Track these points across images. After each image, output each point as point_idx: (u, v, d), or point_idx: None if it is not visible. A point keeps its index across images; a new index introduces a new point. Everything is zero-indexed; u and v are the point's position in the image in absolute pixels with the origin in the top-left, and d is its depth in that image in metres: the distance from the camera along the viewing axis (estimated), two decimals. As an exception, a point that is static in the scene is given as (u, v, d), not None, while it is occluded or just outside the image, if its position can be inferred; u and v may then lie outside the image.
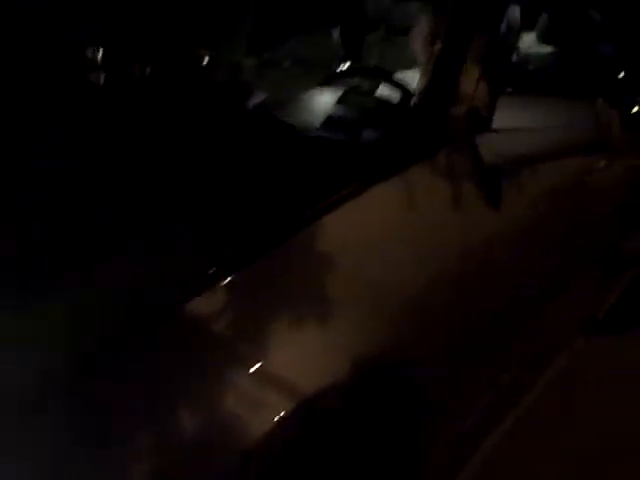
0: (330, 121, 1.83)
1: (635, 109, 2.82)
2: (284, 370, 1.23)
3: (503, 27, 2.90)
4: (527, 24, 3.16)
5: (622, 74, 3.03)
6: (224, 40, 2.86)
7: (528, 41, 3.24)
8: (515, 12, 3.20)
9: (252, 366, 1.20)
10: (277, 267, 1.32)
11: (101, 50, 2.95)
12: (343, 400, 1.32)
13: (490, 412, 1.98)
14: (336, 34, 2.85)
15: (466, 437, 1.84)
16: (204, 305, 1.20)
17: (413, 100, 1.84)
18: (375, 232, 1.46)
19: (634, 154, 2.73)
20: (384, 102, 1.89)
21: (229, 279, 1.24)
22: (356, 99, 1.88)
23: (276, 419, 1.19)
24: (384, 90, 2.07)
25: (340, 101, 1.87)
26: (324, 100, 1.93)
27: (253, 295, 1.27)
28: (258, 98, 2.18)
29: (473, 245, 1.69)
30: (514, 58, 3.09)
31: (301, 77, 2.44)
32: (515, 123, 1.77)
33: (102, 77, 2.66)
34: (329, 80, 2.19)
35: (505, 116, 1.78)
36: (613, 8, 3.20)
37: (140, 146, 1.72)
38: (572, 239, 2.24)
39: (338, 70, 2.23)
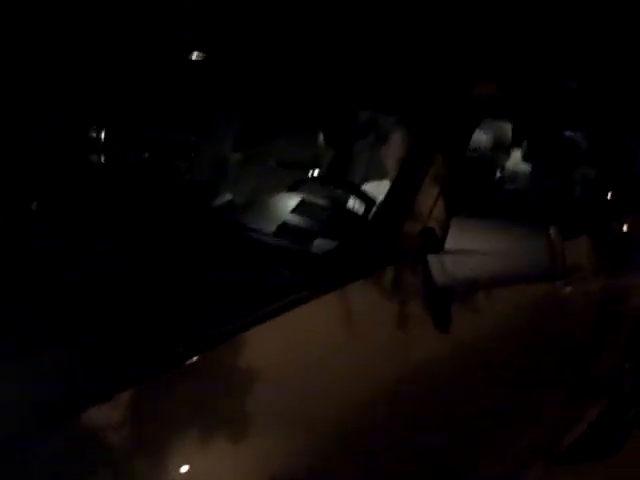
0: (284, 228, 1.83)
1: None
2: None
3: (489, 144, 2.97)
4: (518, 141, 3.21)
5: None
6: (212, 133, 2.94)
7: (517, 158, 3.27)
8: (505, 129, 3.27)
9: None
10: (198, 376, 1.29)
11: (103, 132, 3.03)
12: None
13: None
14: (322, 137, 2.91)
15: None
16: (109, 413, 1.17)
17: (370, 214, 1.86)
18: (308, 346, 1.44)
19: (604, 281, 2.73)
20: (340, 213, 1.90)
21: (135, 388, 1.22)
22: (311, 209, 1.90)
23: None
24: (351, 201, 2.09)
25: (295, 210, 1.88)
26: (284, 206, 1.94)
27: (159, 407, 1.23)
28: (225, 198, 2.20)
29: (414, 366, 1.66)
30: (497, 175, 3.14)
31: (280, 178, 2.47)
32: (469, 246, 1.77)
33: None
34: (298, 185, 2.22)
35: (459, 238, 1.78)
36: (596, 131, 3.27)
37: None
38: (528, 366, 2.20)
39: (309, 176, 2.25)
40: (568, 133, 3.32)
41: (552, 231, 1.77)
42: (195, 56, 2.75)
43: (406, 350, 1.65)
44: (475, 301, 1.88)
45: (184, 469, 1.18)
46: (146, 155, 3.07)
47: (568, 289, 2.36)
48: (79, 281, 1.54)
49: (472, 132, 2.10)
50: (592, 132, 3.23)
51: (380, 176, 2.42)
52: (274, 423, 1.33)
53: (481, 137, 2.99)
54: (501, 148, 3.31)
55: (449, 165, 1.94)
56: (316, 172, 2.35)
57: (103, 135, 3.05)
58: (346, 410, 1.47)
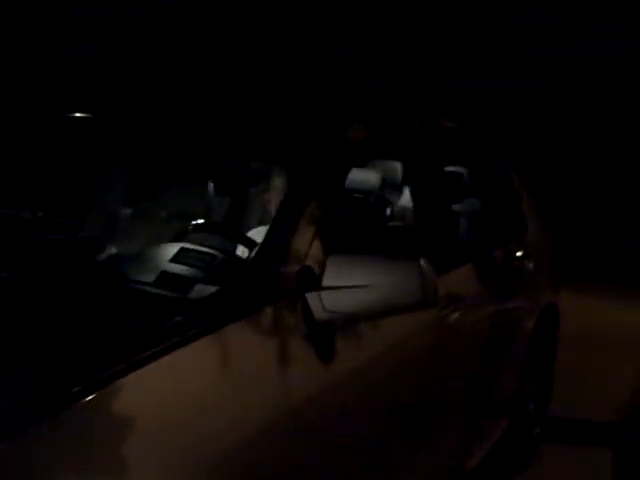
0: (163, 277, 1.87)
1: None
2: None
3: (378, 183, 3.08)
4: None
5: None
6: (103, 189, 2.95)
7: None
8: (395, 168, 3.40)
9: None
10: (68, 425, 1.30)
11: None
12: None
13: None
14: (211, 186, 2.96)
15: None
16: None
17: (249, 257, 1.91)
18: (188, 387, 1.47)
19: (492, 306, 2.86)
20: (220, 258, 1.95)
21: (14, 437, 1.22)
22: (190, 256, 1.94)
23: None
24: (231, 246, 2.14)
25: (174, 258, 1.92)
26: (165, 255, 1.98)
27: (34, 456, 1.24)
28: (110, 252, 2.22)
29: (297, 400, 1.70)
30: (388, 213, 3.25)
31: (169, 230, 2.51)
32: (345, 281, 1.84)
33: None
34: (182, 235, 2.26)
35: (336, 274, 1.85)
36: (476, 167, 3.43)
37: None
38: (420, 391, 2.28)
39: (192, 226, 2.29)
40: (453, 169, 3.48)
41: (422, 262, 1.86)
42: (78, 114, 2.77)
43: (288, 386, 1.69)
44: (357, 333, 1.95)
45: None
46: (40, 214, 3.04)
47: (455, 315, 2.46)
48: None
49: (346, 173, 2.19)
50: (473, 167, 3.40)
51: (266, 222, 2.49)
52: (154, 465, 1.35)
53: (371, 177, 3.12)
54: (392, 186, 3.45)
55: (324, 206, 2.02)
56: (200, 221, 2.39)
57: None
58: (228, 449, 1.50)
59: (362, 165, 3.38)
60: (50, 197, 2.89)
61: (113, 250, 2.25)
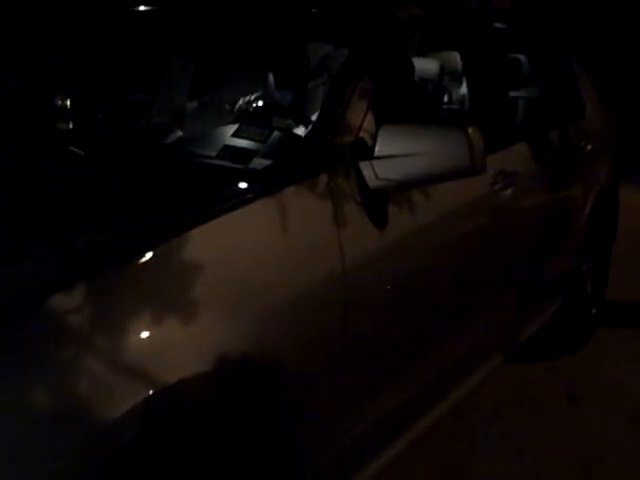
0: (226, 150, 2.00)
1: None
2: (145, 361, 1.37)
3: (436, 71, 3.13)
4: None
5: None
6: (168, 85, 3.09)
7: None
8: (455, 58, 3.42)
9: (111, 356, 1.34)
10: (146, 269, 1.47)
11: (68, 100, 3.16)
12: (205, 392, 1.46)
13: (385, 424, 2.10)
14: (272, 79, 3.06)
15: (353, 446, 1.95)
16: (68, 300, 1.34)
17: (304, 132, 2.02)
18: (243, 244, 1.62)
19: (546, 185, 2.91)
20: (277, 133, 2.06)
21: (98, 276, 1.40)
22: (250, 131, 2.06)
23: (132, 405, 1.32)
24: (289, 123, 2.25)
25: (235, 133, 2.05)
26: (227, 133, 2.11)
27: (119, 293, 1.42)
28: (176, 135, 2.37)
29: (350, 262, 1.83)
30: (445, 100, 3.30)
31: (230, 117, 2.63)
32: (396, 151, 1.94)
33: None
34: (243, 116, 2.37)
35: (387, 144, 1.95)
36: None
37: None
38: (472, 262, 2.39)
39: (251, 108, 2.41)
40: (512, 55, 3.48)
41: (470, 129, 1.94)
42: (142, 7, 2.88)
43: (341, 247, 1.82)
44: (409, 201, 2.06)
45: (143, 335, 1.37)
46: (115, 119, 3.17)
47: (507, 191, 2.54)
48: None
49: (399, 51, 2.25)
50: (531, 52, 3.39)
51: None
52: (222, 308, 1.51)
53: (429, 65, 3.17)
54: (452, 77, 3.49)
55: (377, 81, 2.10)
56: (260, 103, 2.50)
57: (69, 102, 3.19)
58: (286, 299, 1.65)
59: (421, 54, 3.43)
60: (118, 89, 3.04)
61: (178, 134, 2.39)
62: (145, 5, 2.83)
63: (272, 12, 2.58)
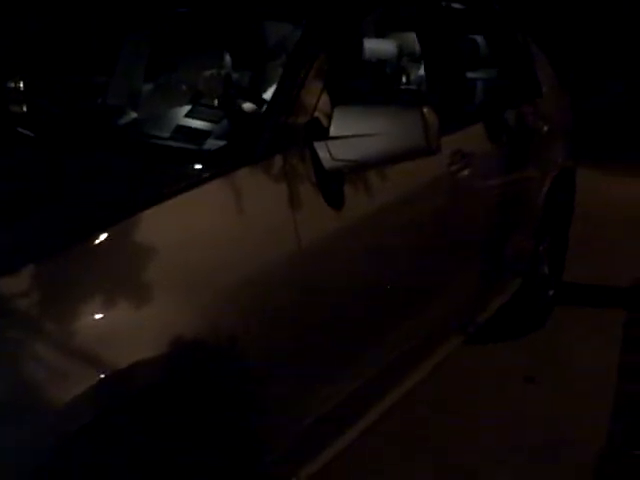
0: (179, 131, 1.97)
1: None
2: (96, 344, 1.35)
3: (394, 52, 3.14)
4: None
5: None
6: (124, 67, 3.04)
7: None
8: (413, 39, 3.42)
9: (62, 340, 1.31)
10: (99, 250, 1.44)
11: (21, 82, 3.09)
12: (158, 376, 1.44)
13: (343, 408, 2.10)
14: (228, 59, 3.03)
15: (310, 431, 1.95)
16: (17, 284, 1.32)
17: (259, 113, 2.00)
18: (197, 225, 1.60)
19: (502, 165, 2.93)
20: (232, 113, 2.04)
21: (49, 258, 1.37)
22: (203, 111, 2.03)
23: (84, 389, 1.30)
24: (244, 104, 2.23)
25: (189, 114, 2.02)
26: (181, 113, 2.08)
27: (71, 276, 1.39)
28: (130, 117, 2.33)
29: (306, 243, 1.82)
30: (403, 80, 3.31)
31: (186, 97, 2.60)
32: (351, 131, 1.93)
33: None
34: (198, 97, 2.34)
35: (342, 124, 1.93)
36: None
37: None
38: (428, 242, 2.39)
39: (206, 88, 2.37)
40: (469, 36, 3.49)
41: (425, 109, 1.94)
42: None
43: (297, 229, 1.81)
44: (365, 182, 2.05)
45: (95, 318, 1.35)
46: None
47: (464, 171, 2.54)
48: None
49: (354, 30, 2.24)
50: (488, 33, 3.40)
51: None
52: (175, 290, 1.50)
53: (387, 46, 3.17)
54: (410, 58, 3.49)
55: (332, 61, 2.09)
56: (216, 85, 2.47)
57: (22, 84, 3.12)
58: (241, 281, 1.64)
59: (379, 35, 3.42)
60: (73, 71, 2.98)
61: (132, 115, 2.35)
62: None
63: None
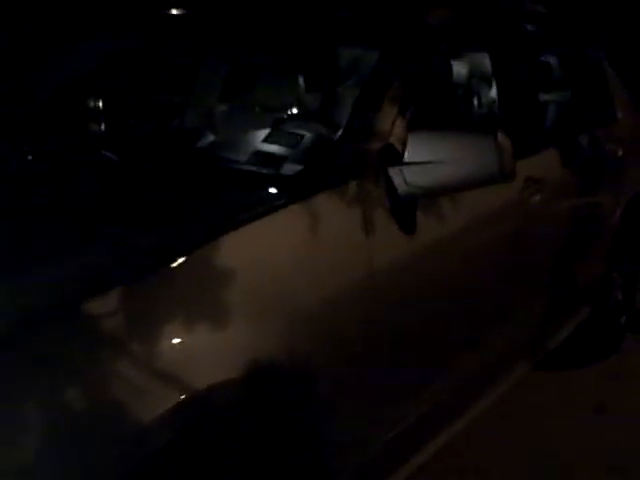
0: (257, 155, 2.01)
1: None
2: (176, 366, 1.39)
3: (465, 74, 3.13)
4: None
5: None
6: (200, 88, 3.11)
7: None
8: (485, 59, 3.41)
9: (143, 361, 1.35)
10: (179, 274, 1.48)
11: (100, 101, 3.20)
12: (235, 398, 1.47)
13: (414, 429, 2.10)
14: (302, 82, 3.07)
15: (383, 451, 1.96)
16: (105, 305, 1.36)
17: (335, 138, 2.03)
18: (274, 250, 1.63)
19: (576, 191, 2.89)
20: (308, 139, 2.07)
21: (135, 281, 1.41)
22: (281, 136, 2.07)
23: (163, 410, 1.34)
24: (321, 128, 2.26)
25: (266, 139, 2.06)
26: (259, 138, 2.12)
27: (154, 298, 1.43)
28: (208, 140, 2.38)
29: (379, 268, 1.83)
30: (475, 103, 3.29)
31: (263, 121, 2.65)
32: (426, 157, 1.94)
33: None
34: (275, 123, 2.38)
35: (417, 150, 1.95)
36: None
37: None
38: (501, 269, 2.38)
39: (284, 115, 2.41)
40: (542, 58, 3.46)
41: (499, 135, 1.94)
42: (175, 11, 2.91)
43: (370, 253, 1.83)
44: (438, 208, 2.06)
45: (175, 341, 1.39)
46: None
47: (536, 197, 2.53)
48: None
49: (428, 56, 2.25)
50: (562, 54, 3.36)
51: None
52: (252, 314, 1.53)
53: (457, 68, 3.16)
54: (482, 79, 3.48)
55: (406, 87, 2.11)
56: (293, 110, 2.51)
57: (101, 104, 3.23)
58: (316, 305, 1.66)
59: (450, 57, 3.42)
60: (149, 93, 3.07)
61: (209, 138, 2.41)
62: (177, 8, 2.86)
63: (303, 15, 2.60)
